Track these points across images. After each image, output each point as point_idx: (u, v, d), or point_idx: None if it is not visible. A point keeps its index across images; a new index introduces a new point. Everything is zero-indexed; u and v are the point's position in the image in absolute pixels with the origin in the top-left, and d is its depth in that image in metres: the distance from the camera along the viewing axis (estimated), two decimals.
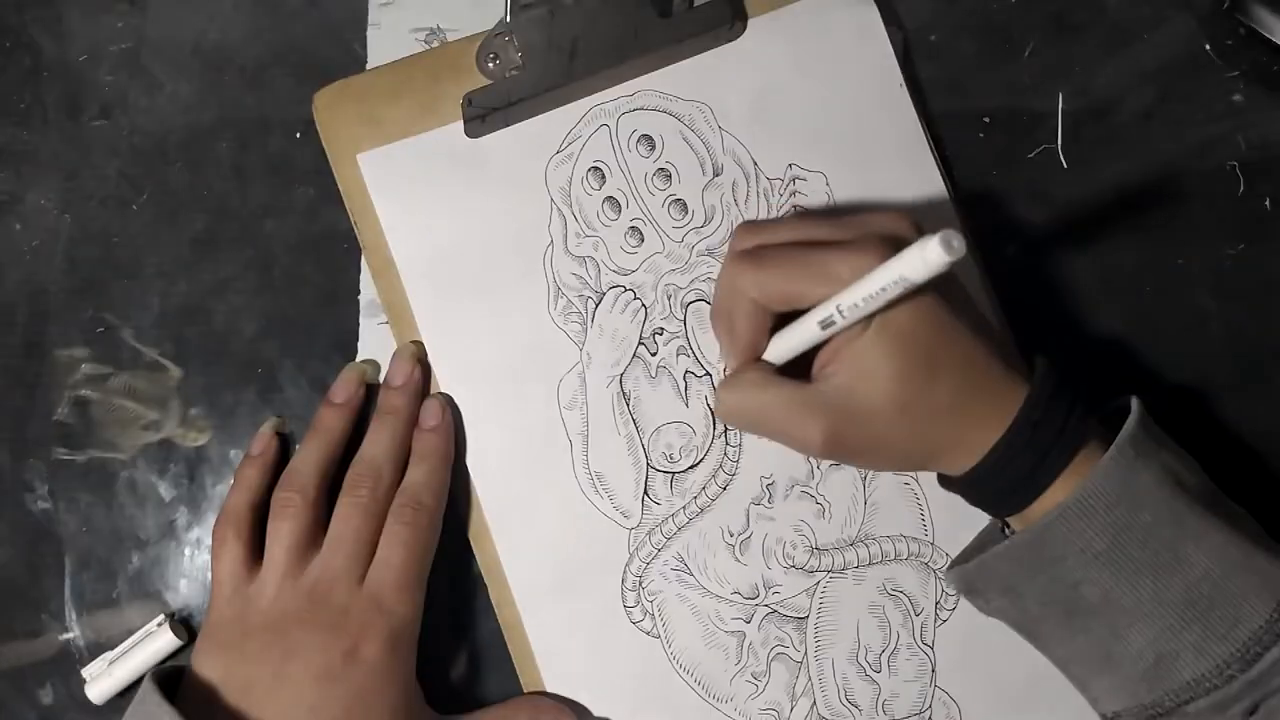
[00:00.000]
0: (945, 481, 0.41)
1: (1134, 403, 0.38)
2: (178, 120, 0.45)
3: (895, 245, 0.35)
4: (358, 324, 0.44)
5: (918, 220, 0.38)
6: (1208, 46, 0.48)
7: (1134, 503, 0.36)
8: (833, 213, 0.45)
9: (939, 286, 0.36)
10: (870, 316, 0.36)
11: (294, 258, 0.44)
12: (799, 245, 0.38)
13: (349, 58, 0.45)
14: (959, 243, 0.31)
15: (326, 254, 0.44)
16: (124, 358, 0.44)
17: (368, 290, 0.44)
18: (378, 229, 0.43)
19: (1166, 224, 0.47)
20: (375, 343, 0.44)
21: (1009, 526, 0.41)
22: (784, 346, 0.39)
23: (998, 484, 0.38)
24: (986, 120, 0.47)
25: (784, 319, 0.39)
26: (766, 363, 0.40)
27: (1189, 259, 0.47)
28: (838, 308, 0.35)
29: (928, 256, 0.31)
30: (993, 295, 0.45)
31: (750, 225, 0.41)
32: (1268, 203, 0.47)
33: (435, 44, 0.44)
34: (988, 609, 0.41)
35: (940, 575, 0.44)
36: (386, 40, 0.44)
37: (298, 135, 0.45)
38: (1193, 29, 0.48)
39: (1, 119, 0.44)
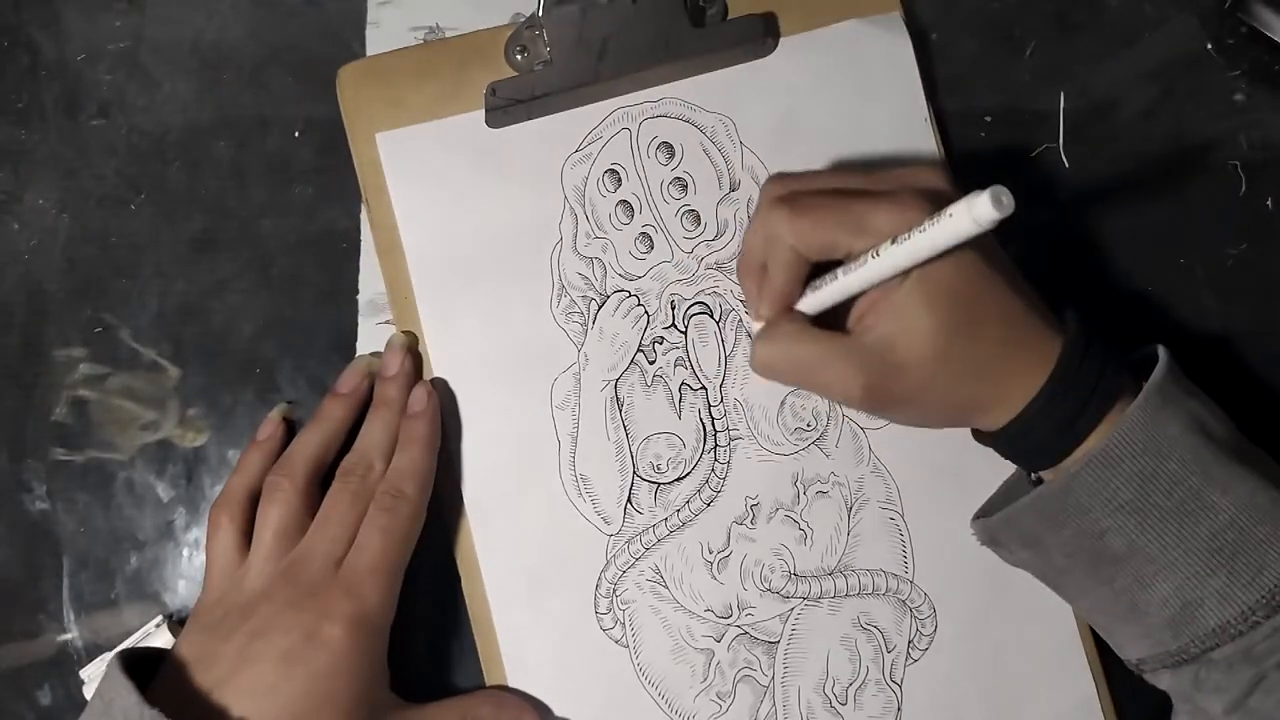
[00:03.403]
0: (980, 436, 0.40)
1: (1161, 352, 0.38)
2: (176, 119, 0.45)
3: (932, 198, 0.35)
4: (356, 324, 0.44)
5: (951, 175, 0.38)
6: (1209, 46, 0.48)
7: (1160, 452, 0.36)
8: (865, 166, 0.44)
9: (976, 240, 0.36)
10: (910, 270, 0.36)
11: (292, 257, 0.44)
12: (836, 194, 0.38)
13: (348, 57, 0.44)
14: (1008, 199, 0.31)
15: (325, 253, 0.44)
16: (122, 358, 0.43)
17: (366, 290, 0.44)
18: (389, 209, 0.43)
19: (1168, 223, 0.47)
20: (374, 343, 0.43)
21: (1034, 476, 0.41)
22: (819, 298, 0.39)
23: (1038, 435, 0.37)
24: (988, 119, 0.47)
25: (817, 269, 0.39)
26: (800, 313, 0.39)
27: (1190, 258, 0.47)
28: (879, 260, 0.35)
29: (976, 212, 0.31)
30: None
31: (783, 175, 0.40)
32: (1269, 202, 0.47)
33: (395, 50, 0.44)
34: (1011, 559, 0.41)
35: (916, 614, 0.43)
36: (385, 39, 0.44)
37: (296, 134, 0.45)
38: (1194, 28, 0.48)
39: None
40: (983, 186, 0.30)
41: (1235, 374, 0.46)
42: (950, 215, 0.32)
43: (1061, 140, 0.47)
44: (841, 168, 0.44)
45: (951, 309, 0.36)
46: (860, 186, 0.38)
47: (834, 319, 0.39)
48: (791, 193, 0.39)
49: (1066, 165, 0.47)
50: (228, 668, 0.36)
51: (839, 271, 0.37)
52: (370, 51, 0.44)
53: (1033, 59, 0.47)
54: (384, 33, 0.45)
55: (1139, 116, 0.47)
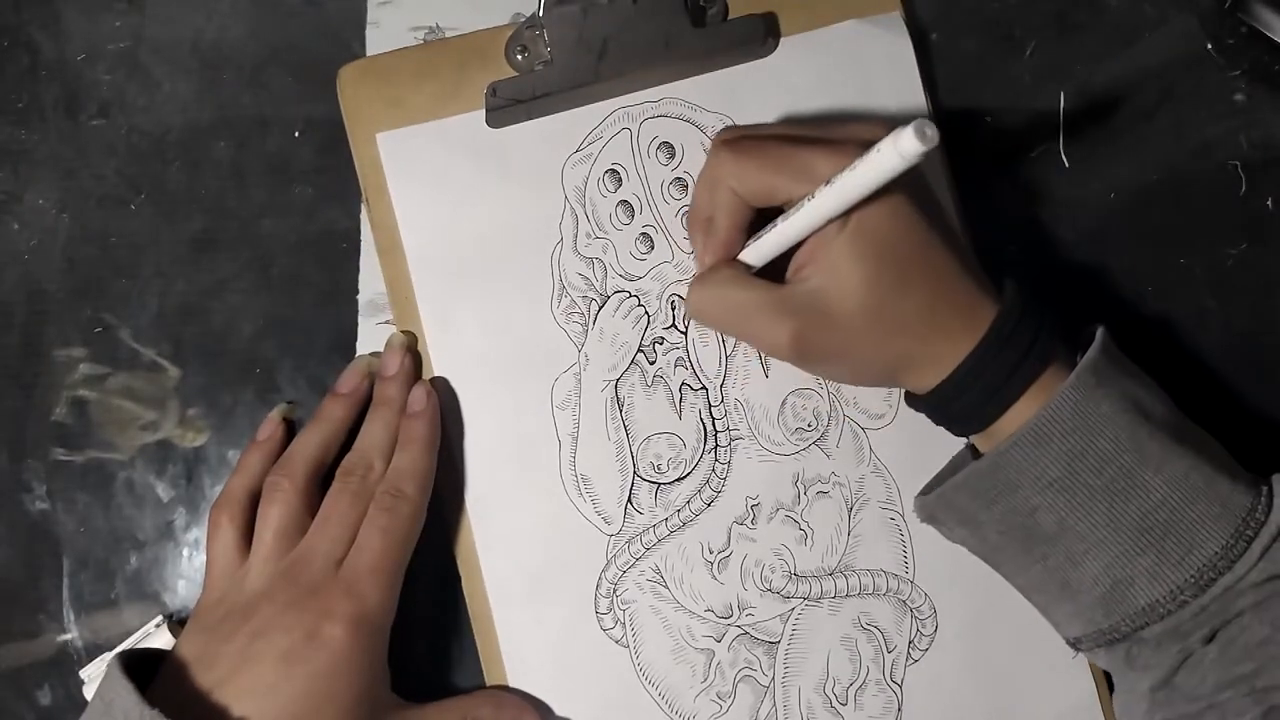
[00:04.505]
0: (912, 400, 0.41)
1: (1099, 331, 0.38)
2: (176, 119, 0.45)
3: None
4: (356, 324, 0.44)
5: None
6: (1209, 46, 0.48)
7: (1091, 430, 0.36)
8: (816, 122, 0.44)
9: (914, 195, 0.37)
10: (846, 221, 0.36)
11: (292, 257, 0.44)
12: (781, 141, 0.38)
13: (348, 57, 0.44)
14: (932, 131, 0.31)
15: (325, 254, 0.44)
16: (122, 358, 0.43)
17: (366, 290, 0.44)
18: (389, 209, 0.43)
19: (1168, 223, 0.47)
20: (374, 343, 0.43)
21: (978, 454, 0.41)
22: (760, 248, 0.39)
23: (964, 399, 0.38)
24: (988, 119, 0.47)
25: (760, 224, 0.39)
26: (741, 263, 0.40)
27: (1190, 258, 0.47)
28: (813, 202, 0.35)
29: (901, 145, 0.31)
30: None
31: (733, 126, 0.42)
32: (1269, 202, 0.47)
33: (396, 50, 0.44)
34: (951, 537, 0.41)
35: (917, 614, 0.44)
36: (385, 39, 0.44)
37: (296, 134, 0.45)
38: (1194, 28, 0.48)
39: None
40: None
41: (1235, 375, 0.46)
42: (878, 151, 0.32)
43: (1061, 140, 0.47)
44: (792, 121, 0.45)
45: (882, 261, 0.36)
46: (806, 134, 0.39)
47: (775, 274, 0.39)
48: (737, 139, 0.39)
49: (1066, 165, 0.47)
50: (228, 668, 0.36)
51: (778, 220, 0.38)
52: (370, 51, 0.44)
53: (1033, 59, 0.47)
54: (384, 33, 0.45)
55: (1139, 116, 0.47)
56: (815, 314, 0.37)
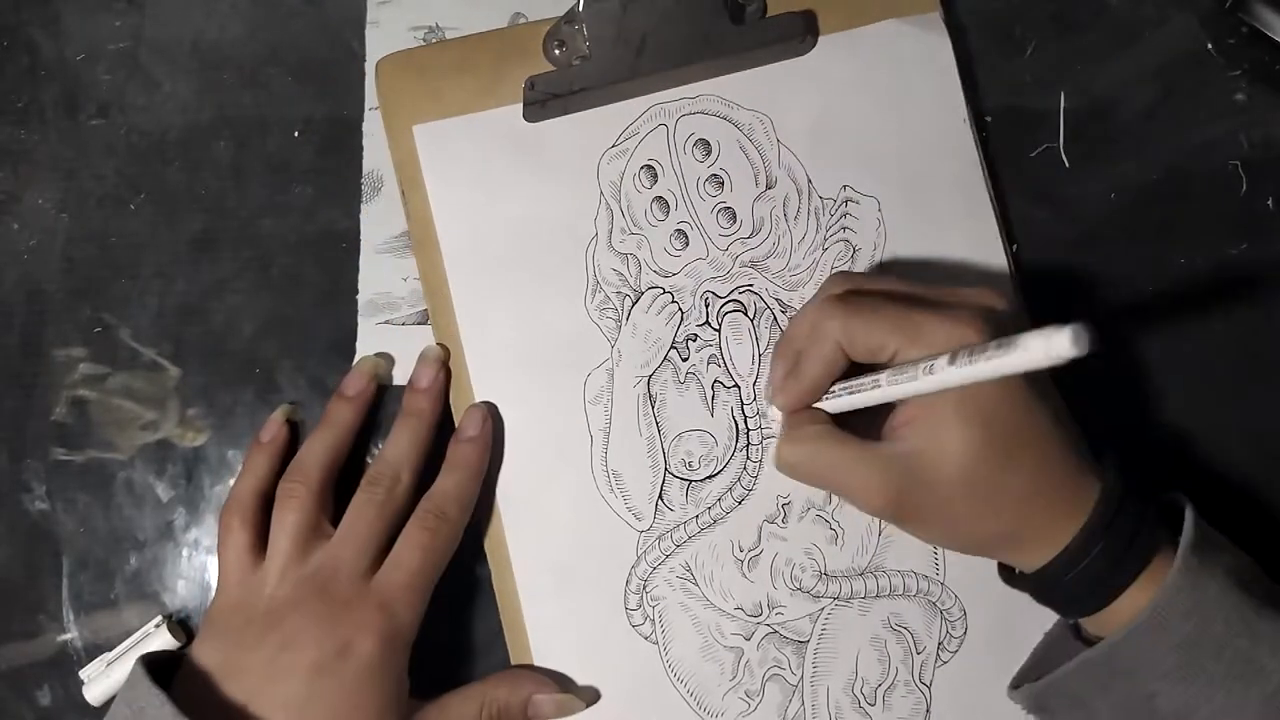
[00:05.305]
0: (1009, 577, 0.39)
1: (1187, 509, 0.37)
2: (175, 119, 0.45)
3: (989, 319, 0.35)
4: (356, 324, 0.44)
5: (1010, 297, 0.37)
6: (1210, 45, 0.48)
7: (1204, 615, 0.35)
8: (924, 281, 0.42)
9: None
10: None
11: (292, 257, 0.44)
12: (894, 300, 0.37)
13: (347, 56, 0.44)
14: (1088, 337, 0.29)
15: (325, 253, 0.44)
16: (122, 357, 0.43)
17: (366, 290, 0.44)
18: (424, 202, 0.43)
19: (1168, 223, 0.47)
20: (374, 343, 0.43)
21: (1081, 630, 0.40)
22: (852, 401, 0.37)
23: (1071, 585, 0.36)
24: (988, 119, 0.47)
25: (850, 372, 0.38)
26: (822, 413, 0.38)
27: (1191, 258, 0.47)
28: (933, 376, 0.34)
29: (1054, 347, 0.29)
30: (1019, 291, 0.45)
31: (844, 273, 0.40)
32: (1270, 202, 0.47)
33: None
34: None
35: (946, 616, 0.43)
36: (385, 39, 0.44)
37: (296, 134, 0.45)
38: (1194, 28, 0.48)
39: None
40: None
41: (1236, 375, 0.46)
42: (1024, 348, 0.30)
43: (1061, 140, 0.47)
44: (904, 275, 0.43)
45: (989, 432, 0.35)
46: (919, 294, 0.38)
47: (854, 420, 0.38)
48: (850, 291, 0.38)
49: (1066, 165, 0.47)
50: (258, 679, 0.36)
51: (881, 379, 0.36)
52: (370, 51, 0.45)
53: (1033, 59, 0.47)
54: (384, 32, 0.45)
55: (1139, 116, 0.47)
56: (913, 476, 0.36)
